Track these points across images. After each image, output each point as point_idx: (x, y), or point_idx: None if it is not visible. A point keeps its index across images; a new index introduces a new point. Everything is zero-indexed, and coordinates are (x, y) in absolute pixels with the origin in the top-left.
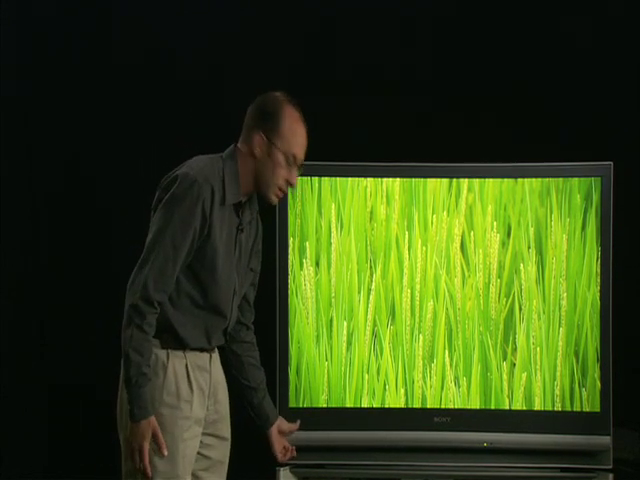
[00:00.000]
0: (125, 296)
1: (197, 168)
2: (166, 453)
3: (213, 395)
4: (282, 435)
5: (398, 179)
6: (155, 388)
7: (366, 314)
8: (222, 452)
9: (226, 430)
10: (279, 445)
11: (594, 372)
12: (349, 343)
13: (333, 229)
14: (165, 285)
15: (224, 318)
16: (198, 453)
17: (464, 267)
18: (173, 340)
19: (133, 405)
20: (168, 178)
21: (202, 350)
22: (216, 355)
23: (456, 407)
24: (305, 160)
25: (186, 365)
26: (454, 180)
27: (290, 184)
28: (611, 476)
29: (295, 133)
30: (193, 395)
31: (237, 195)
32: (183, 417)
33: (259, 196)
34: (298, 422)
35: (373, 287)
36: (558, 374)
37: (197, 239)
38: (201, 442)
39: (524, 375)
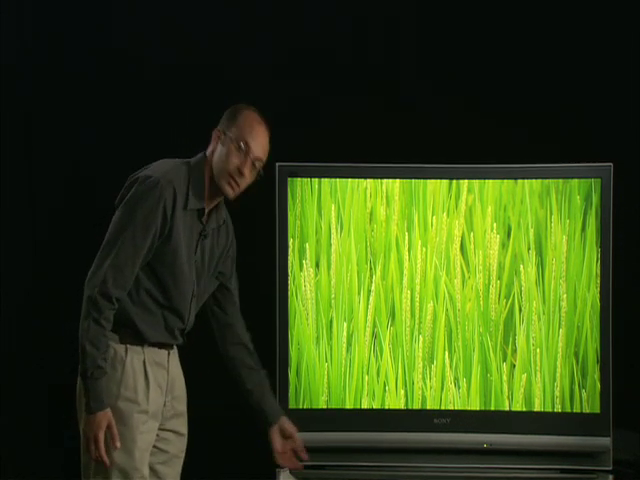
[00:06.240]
0: (84, 288)
1: (161, 171)
2: (119, 445)
3: (170, 392)
4: (285, 437)
5: (398, 180)
6: (113, 382)
7: (366, 315)
8: (178, 447)
9: (183, 426)
10: (278, 445)
11: (594, 373)
12: (349, 344)
13: (333, 230)
14: (124, 282)
15: (181, 319)
16: (156, 447)
17: (464, 268)
18: (132, 335)
19: (89, 397)
20: (132, 178)
21: (160, 347)
22: (174, 352)
23: (456, 408)
24: (304, 161)
25: (143, 361)
26: (454, 181)
27: (240, 172)
28: (611, 477)
29: (249, 125)
30: (149, 391)
31: (200, 201)
32: (140, 411)
33: (223, 196)
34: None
35: (373, 288)
36: (558, 375)
37: (157, 238)
38: (158, 436)
39: (524, 376)
